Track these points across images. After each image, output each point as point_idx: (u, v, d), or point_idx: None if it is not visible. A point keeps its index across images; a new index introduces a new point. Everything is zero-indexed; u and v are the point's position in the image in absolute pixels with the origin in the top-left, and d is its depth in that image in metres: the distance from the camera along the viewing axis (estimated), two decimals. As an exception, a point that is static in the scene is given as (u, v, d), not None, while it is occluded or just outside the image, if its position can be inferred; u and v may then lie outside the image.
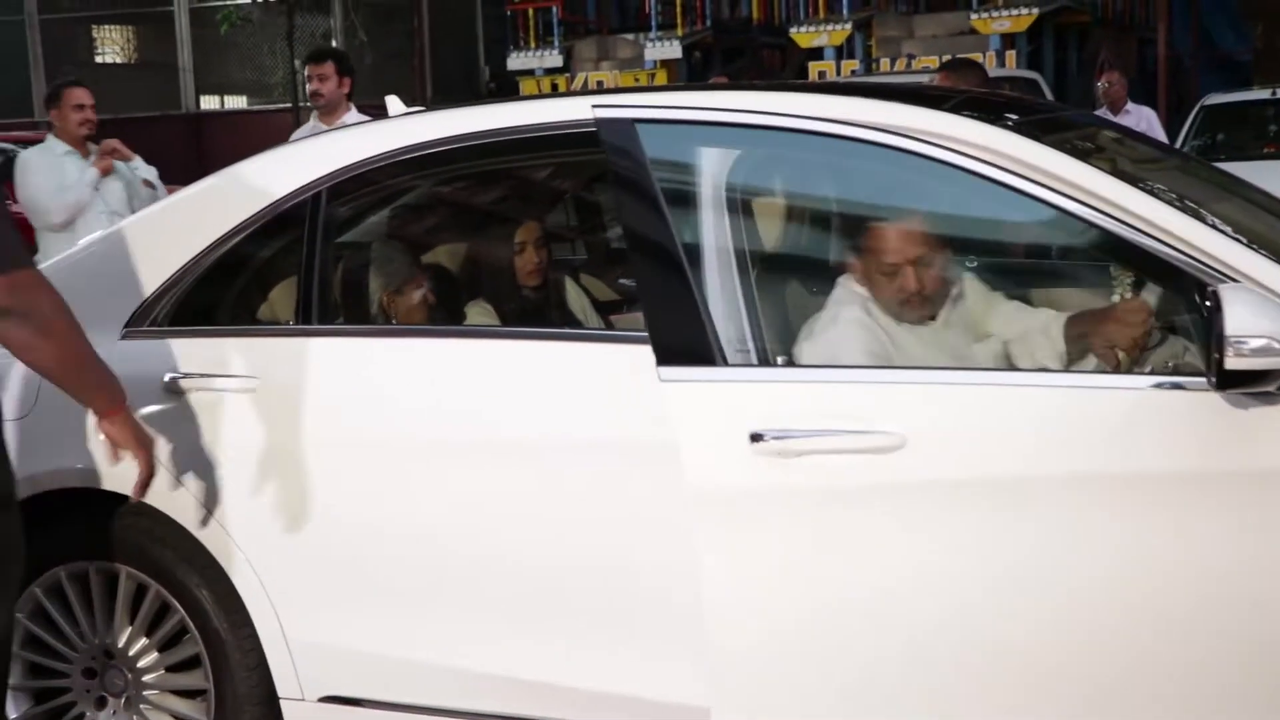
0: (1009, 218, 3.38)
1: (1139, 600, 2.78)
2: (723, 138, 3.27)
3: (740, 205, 3.30)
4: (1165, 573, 2.78)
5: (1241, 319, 2.56)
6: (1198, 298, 2.77)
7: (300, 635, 3.40)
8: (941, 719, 2.91)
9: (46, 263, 3.78)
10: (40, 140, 7.88)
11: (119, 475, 3.44)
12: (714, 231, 3.18)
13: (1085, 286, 3.53)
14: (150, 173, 7.39)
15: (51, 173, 7.03)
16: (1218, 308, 2.58)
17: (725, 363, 3.02)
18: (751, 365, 3.09)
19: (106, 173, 7.04)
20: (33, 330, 2.79)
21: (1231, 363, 2.56)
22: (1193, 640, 2.78)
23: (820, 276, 3.45)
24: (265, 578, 3.40)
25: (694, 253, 3.14)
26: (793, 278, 3.54)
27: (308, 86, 7.42)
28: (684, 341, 3.03)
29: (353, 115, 6.99)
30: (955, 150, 2.99)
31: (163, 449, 3.43)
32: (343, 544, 3.38)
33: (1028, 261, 3.82)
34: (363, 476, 3.34)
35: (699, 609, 2.94)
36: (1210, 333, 2.62)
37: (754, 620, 2.91)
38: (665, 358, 3.00)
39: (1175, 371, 2.92)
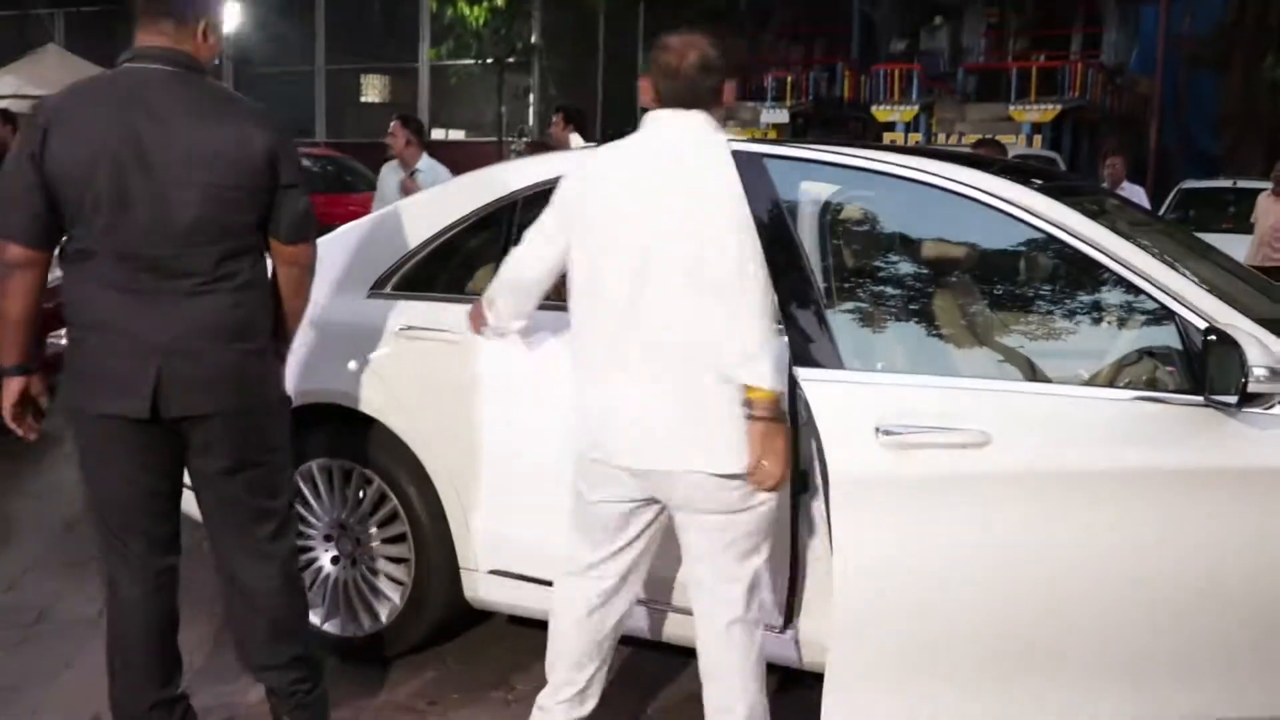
0: (1026, 254, 3.19)
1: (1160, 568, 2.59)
2: (829, 175, 3.07)
3: (841, 229, 3.15)
4: (1188, 543, 2.58)
5: (1254, 355, 2.44)
6: (1194, 331, 2.60)
7: (478, 523, 3.44)
8: (1016, 658, 2.65)
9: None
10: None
11: (362, 397, 3.54)
12: (821, 251, 3.02)
13: (1078, 317, 3.21)
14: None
15: (382, 183, 7.71)
16: (1233, 345, 2.45)
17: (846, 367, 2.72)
18: (868, 370, 2.82)
19: (407, 192, 7.08)
20: (309, 284, 2.90)
21: (1252, 386, 2.43)
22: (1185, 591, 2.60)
23: (911, 291, 3.26)
24: (455, 480, 3.44)
25: (814, 267, 2.93)
26: (884, 290, 3.30)
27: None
28: (814, 346, 2.71)
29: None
30: (991, 198, 2.87)
31: (395, 381, 3.49)
32: (507, 459, 3.38)
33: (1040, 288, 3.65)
34: (521, 410, 3.34)
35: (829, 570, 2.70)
36: (1213, 361, 2.49)
37: (872, 578, 2.62)
38: (799, 359, 2.68)
39: (1151, 386, 2.72)
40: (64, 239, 2.70)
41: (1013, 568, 2.58)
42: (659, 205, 2.61)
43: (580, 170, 2.80)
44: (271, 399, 2.86)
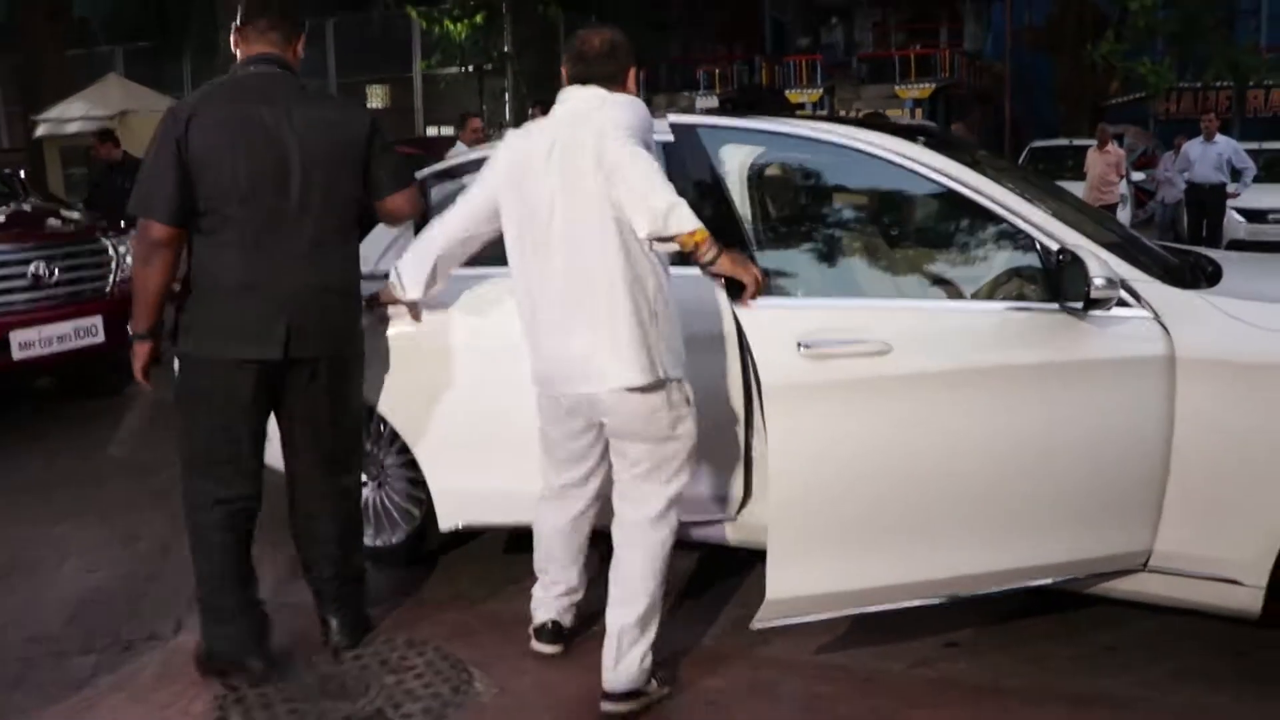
0: (916, 197, 3.08)
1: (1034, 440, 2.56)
2: (753, 140, 2.99)
3: (764, 183, 3.06)
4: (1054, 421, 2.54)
5: (1095, 268, 2.44)
6: (1050, 253, 2.57)
7: (439, 466, 3.27)
8: (916, 523, 2.58)
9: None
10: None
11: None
12: (748, 201, 2.94)
13: (959, 246, 3.09)
14: None
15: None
16: (1080, 262, 2.45)
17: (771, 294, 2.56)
18: (790, 295, 2.74)
19: None
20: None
21: (1095, 294, 2.44)
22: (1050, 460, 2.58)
23: (823, 231, 3.17)
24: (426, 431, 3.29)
25: (743, 214, 2.84)
26: (801, 231, 3.22)
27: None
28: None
29: None
30: (887, 153, 2.79)
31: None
32: (469, 407, 3.19)
33: (926, 226, 3.56)
34: (472, 370, 3.15)
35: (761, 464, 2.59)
36: (1065, 275, 2.47)
37: (800, 467, 2.50)
38: (732, 291, 2.48)
39: (1020, 298, 2.67)
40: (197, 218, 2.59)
41: (913, 450, 2.55)
42: (562, 158, 2.45)
43: (507, 145, 2.64)
44: (360, 348, 2.83)
